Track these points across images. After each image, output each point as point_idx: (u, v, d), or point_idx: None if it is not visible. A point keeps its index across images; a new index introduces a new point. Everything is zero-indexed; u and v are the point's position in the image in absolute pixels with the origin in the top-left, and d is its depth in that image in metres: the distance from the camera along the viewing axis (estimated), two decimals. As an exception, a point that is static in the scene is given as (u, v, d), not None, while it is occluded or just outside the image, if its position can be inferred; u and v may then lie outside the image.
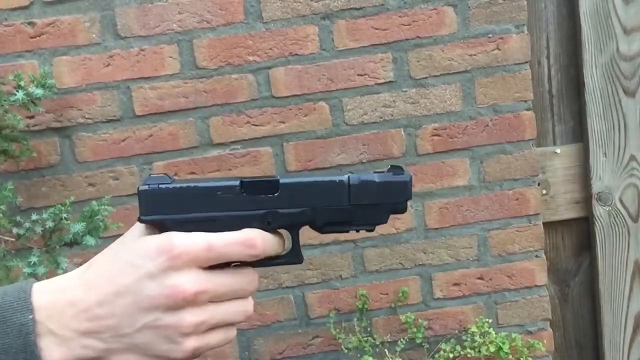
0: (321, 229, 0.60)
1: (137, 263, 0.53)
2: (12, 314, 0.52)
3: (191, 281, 0.53)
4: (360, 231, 0.60)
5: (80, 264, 0.58)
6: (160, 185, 0.56)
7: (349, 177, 0.58)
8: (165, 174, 0.58)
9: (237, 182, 0.57)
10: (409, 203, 0.60)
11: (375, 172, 0.60)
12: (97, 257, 0.57)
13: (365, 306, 1.58)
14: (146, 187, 0.56)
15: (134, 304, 0.53)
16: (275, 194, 0.57)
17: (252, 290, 0.58)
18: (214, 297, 0.55)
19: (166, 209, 0.56)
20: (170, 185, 0.56)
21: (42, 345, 0.52)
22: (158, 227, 0.56)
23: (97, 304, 0.53)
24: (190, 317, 0.53)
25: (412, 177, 0.60)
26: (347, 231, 0.60)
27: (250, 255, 0.56)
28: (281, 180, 0.58)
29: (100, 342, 0.54)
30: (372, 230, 0.60)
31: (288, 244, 0.60)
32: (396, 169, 0.60)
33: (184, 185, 0.57)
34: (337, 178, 0.58)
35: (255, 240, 0.56)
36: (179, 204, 0.56)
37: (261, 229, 0.57)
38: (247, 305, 0.58)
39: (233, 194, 0.57)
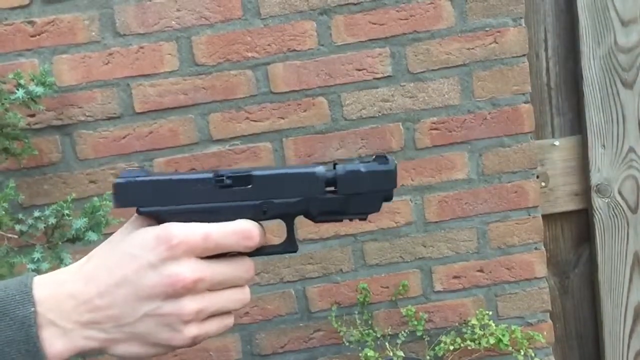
0: (315, 219, 0.61)
1: (136, 253, 0.55)
2: (14, 306, 0.52)
3: (190, 270, 0.54)
4: (354, 220, 0.61)
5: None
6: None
7: (335, 167, 0.60)
8: (141, 166, 0.59)
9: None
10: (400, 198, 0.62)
11: (361, 162, 0.61)
12: (96, 250, 0.58)
13: (367, 299, 1.59)
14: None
15: (134, 294, 0.54)
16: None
17: (249, 279, 0.59)
18: (212, 285, 0.56)
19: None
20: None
21: (44, 337, 0.53)
22: (155, 218, 0.57)
23: (97, 295, 0.54)
24: (190, 304, 0.55)
25: (397, 165, 0.61)
26: (341, 220, 0.61)
27: (247, 246, 0.57)
28: (259, 173, 0.59)
29: (102, 332, 0.55)
30: (365, 219, 0.61)
31: (283, 234, 0.61)
32: (381, 159, 0.61)
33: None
34: (319, 170, 0.59)
35: (252, 231, 0.57)
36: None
37: (257, 218, 0.58)
38: (244, 293, 0.59)
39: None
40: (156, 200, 0.57)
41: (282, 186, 0.59)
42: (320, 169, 0.59)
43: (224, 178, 0.58)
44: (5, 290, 0.54)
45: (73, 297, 0.54)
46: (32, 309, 0.53)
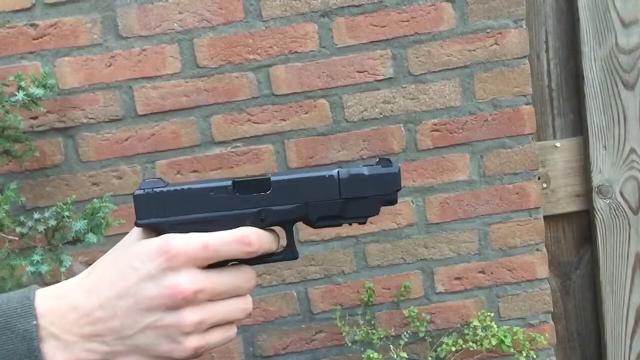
0: (314, 224, 0.60)
1: (137, 265, 0.54)
2: (16, 320, 0.52)
3: (190, 280, 0.54)
4: (353, 224, 0.61)
5: (86, 262, 0.59)
6: (154, 189, 0.57)
7: (338, 171, 0.59)
8: (159, 178, 0.59)
9: (230, 182, 0.58)
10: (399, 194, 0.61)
11: (364, 166, 0.60)
12: (98, 262, 0.58)
13: (371, 299, 1.59)
14: (141, 191, 0.57)
15: (135, 306, 0.54)
16: (268, 192, 0.58)
17: (250, 288, 0.58)
18: (213, 295, 0.56)
19: (162, 212, 0.57)
20: (165, 189, 0.57)
21: (45, 350, 0.53)
22: (154, 230, 0.57)
23: (98, 308, 0.54)
24: (191, 315, 0.54)
25: (400, 168, 0.61)
26: (340, 225, 0.61)
27: (246, 252, 0.57)
28: (272, 178, 0.58)
29: (104, 345, 0.55)
30: (364, 223, 0.61)
31: (283, 241, 0.61)
32: (385, 162, 0.60)
33: (178, 187, 0.58)
34: (327, 173, 0.59)
35: (250, 237, 0.56)
36: (174, 206, 0.57)
37: (255, 226, 0.58)
38: (246, 303, 0.58)
39: (226, 194, 0.58)
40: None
41: (300, 190, 0.58)
42: (335, 172, 0.59)
43: (241, 184, 0.58)
44: (8, 303, 0.54)
45: (75, 309, 0.54)
46: (34, 322, 0.53)
